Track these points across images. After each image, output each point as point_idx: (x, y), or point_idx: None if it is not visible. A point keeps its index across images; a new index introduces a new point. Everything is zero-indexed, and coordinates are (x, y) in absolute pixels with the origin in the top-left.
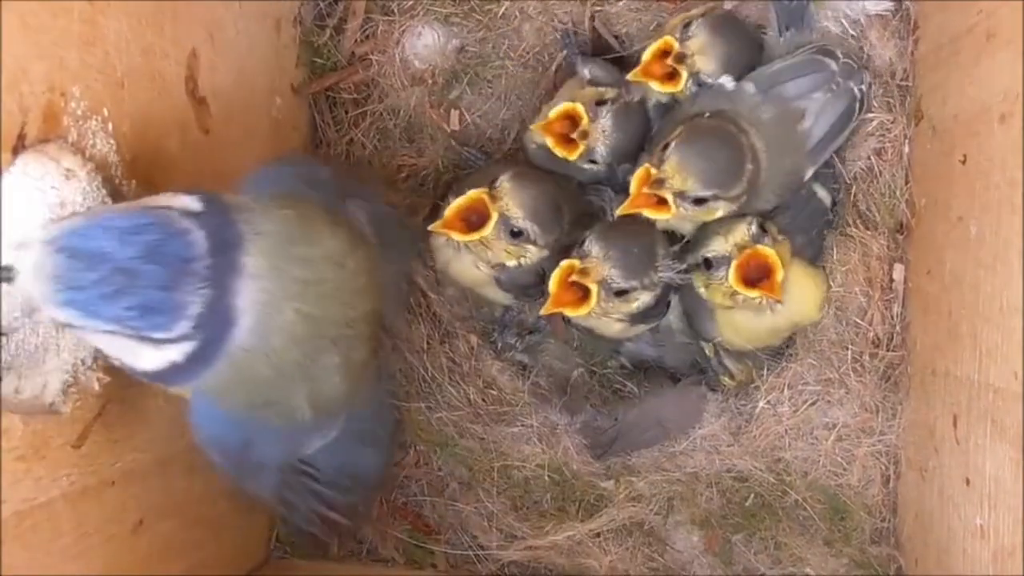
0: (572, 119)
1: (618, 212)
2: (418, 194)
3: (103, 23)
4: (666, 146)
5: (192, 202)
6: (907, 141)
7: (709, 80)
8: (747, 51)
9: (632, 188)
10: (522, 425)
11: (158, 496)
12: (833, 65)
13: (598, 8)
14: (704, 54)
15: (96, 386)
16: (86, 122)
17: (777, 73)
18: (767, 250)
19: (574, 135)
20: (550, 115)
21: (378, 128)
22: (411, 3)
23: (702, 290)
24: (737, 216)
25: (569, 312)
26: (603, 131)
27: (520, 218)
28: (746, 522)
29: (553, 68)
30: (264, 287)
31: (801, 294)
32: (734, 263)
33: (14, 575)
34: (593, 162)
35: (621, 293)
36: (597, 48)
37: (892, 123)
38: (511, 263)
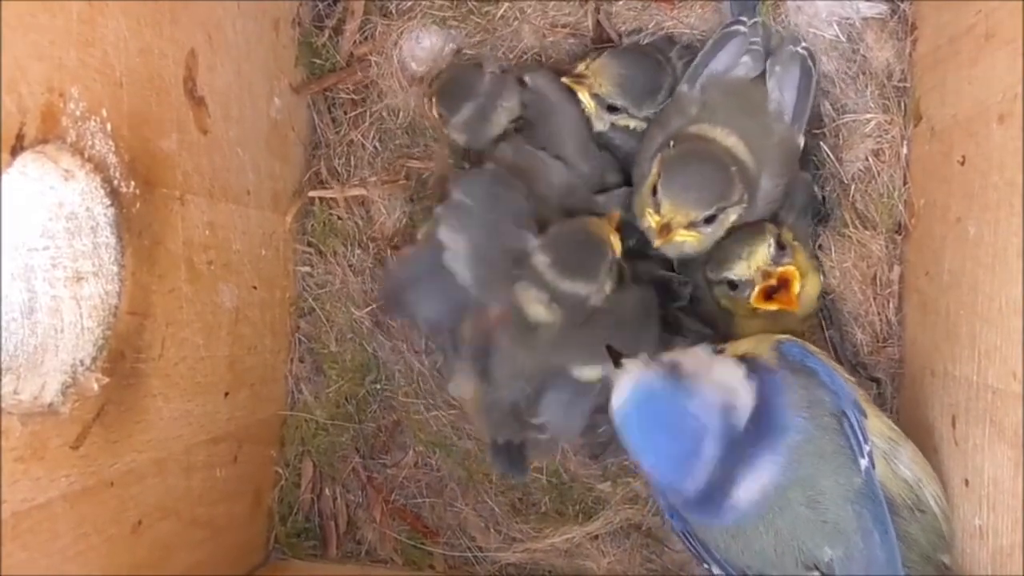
0: None
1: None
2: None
3: (102, 23)
4: (655, 190)
5: None
6: (905, 142)
7: (612, 102)
8: (646, 75)
9: (652, 238)
10: None
11: (157, 497)
12: (742, 28)
13: (597, 6)
14: (600, 75)
15: (95, 387)
16: (85, 122)
17: (700, 62)
18: (789, 270)
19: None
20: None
21: (378, 128)
22: (409, 5)
23: (724, 302)
24: (755, 231)
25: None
26: None
27: None
28: None
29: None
30: None
31: (809, 288)
32: (757, 288)
33: None
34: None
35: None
36: (598, 43)
37: (889, 124)
38: None
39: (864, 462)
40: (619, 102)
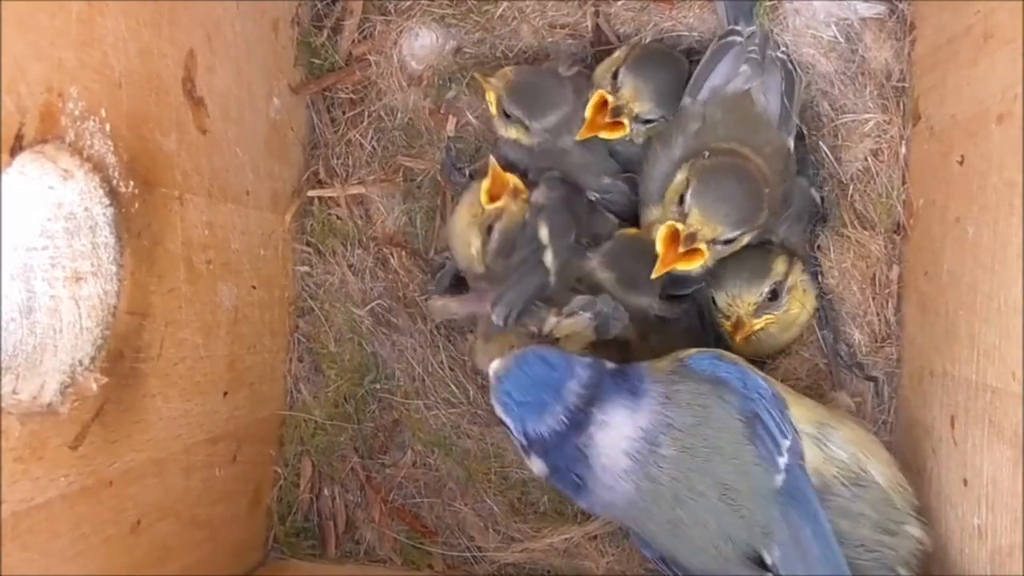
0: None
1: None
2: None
3: (101, 23)
4: (681, 198)
5: None
6: (904, 142)
7: (650, 117)
8: (672, 78)
9: (660, 249)
10: None
11: (156, 497)
12: (738, 38)
13: (596, 7)
14: (637, 99)
15: (94, 387)
16: (84, 122)
17: (699, 75)
18: (759, 323)
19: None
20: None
21: (376, 128)
22: (408, 4)
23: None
24: (757, 273)
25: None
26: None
27: None
28: None
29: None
30: None
31: (799, 318)
32: (737, 335)
33: None
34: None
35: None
36: (597, 43)
37: (888, 124)
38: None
39: (784, 460)
40: (657, 115)
